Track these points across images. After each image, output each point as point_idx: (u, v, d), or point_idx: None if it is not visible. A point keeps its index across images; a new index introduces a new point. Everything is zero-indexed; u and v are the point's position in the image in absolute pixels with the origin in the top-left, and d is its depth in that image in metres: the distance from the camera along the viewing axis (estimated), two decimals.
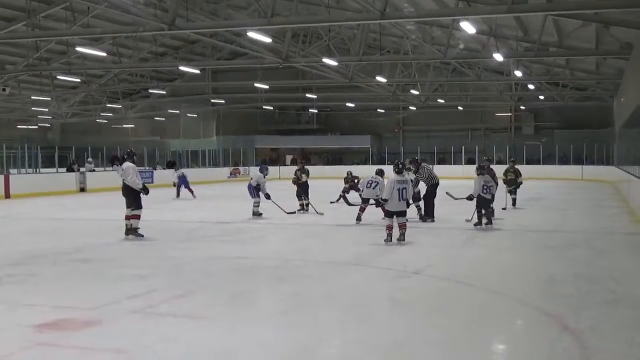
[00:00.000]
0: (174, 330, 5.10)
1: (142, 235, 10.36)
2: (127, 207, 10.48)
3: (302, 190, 14.76)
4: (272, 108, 39.28)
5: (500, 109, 37.78)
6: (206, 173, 32.24)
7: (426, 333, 5.08)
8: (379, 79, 25.27)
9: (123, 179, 10.45)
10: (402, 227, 9.63)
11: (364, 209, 12.39)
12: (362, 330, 5.12)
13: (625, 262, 8.50)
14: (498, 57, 18.78)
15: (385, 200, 9.68)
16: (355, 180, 17.16)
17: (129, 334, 4.98)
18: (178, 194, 20.59)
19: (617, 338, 4.88)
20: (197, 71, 28.63)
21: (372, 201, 12.18)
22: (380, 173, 12.53)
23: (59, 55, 26.00)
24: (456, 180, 21.80)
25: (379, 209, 11.17)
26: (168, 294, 6.35)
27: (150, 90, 34.07)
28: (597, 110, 33.20)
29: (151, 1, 18.27)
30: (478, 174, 11.47)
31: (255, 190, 13.45)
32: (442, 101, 34.66)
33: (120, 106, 36.81)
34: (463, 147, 35.90)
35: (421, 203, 12.89)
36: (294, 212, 14.01)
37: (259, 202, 13.55)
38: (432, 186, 12.83)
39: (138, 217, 10.43)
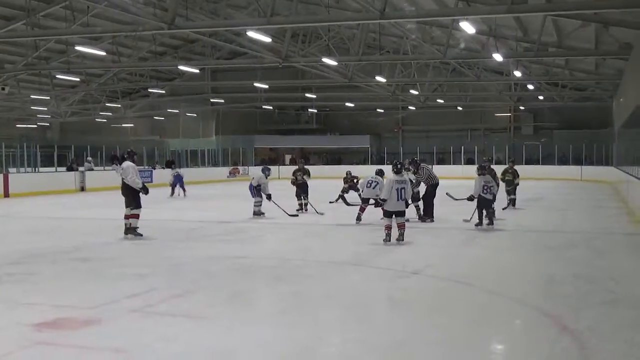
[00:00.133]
0: (173, 329, 5.09)
1: (141, 235, 10.36)
2: (127, 206, 10.47)
3: (302, 190, 14.75)
4: (271, 108, 39.29)
5: (500, 109, 37.80)
6: (205, 172, 32.24)
7: (426, 333, 5.08)
8: (379, 78, 25.28)
9: (122, 178, 10.45)
10: (401, 227, 9.63)
11: (364, 208, 12.39)
12: (362, 330, 5.12)
13: (624, 262, 8.50)
14: (497, 57, 18.80)
15: (384, 200, 9.68)
16: (355, 180, 17.15)
17: (128, 333, 4.97)
18: (172, 193, 20.79)
19: (617, 338, 4.88)
20: (197, 70, 28.61)
21: (371, 201, 12.18)
22: (380, 173, 12.54)
23: (58, 55, 25.99)
24: (456, 180, 21.82)
25: (379, 209, 11.17)
26: (167, 293, 6.34)
27: (149, 90, 34.09)
28: (596, 111, 33.23)
29: (151, 0, 18.25)
30: (479, 174, 11.47)
31: (256, 190, 13.45)
32: (442, 101, 34.67)
33: (119, 105, 36.80)
34: (462, 147, 35.92)
35: (420, 203, 12.89)
36: (297, 215, 13.99)
37: (260, 202, 13.54)
38: (432, 186, 12.83)
39: (137, 216, 10.43)
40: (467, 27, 14.96)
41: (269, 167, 14.23)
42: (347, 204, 16.06)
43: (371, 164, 35.08)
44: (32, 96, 31.00)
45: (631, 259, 8.78)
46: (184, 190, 20.89)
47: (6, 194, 20.52)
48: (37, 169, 26.49)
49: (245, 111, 40.05)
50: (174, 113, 39.22)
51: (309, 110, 40.21)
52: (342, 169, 21.23)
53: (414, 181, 12.65)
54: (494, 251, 9.39)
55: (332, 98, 37.08)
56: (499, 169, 16.02)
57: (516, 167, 16.25)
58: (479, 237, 10.73)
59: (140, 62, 27.25)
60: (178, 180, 21.05)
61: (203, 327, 5.14)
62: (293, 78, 32.89)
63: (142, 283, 6.85)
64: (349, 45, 23.26)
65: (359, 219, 12.31)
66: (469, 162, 35.26)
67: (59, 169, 25.62)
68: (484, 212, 11.45)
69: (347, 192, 16.78)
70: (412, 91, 30.91)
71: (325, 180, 23.26)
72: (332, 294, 6.44)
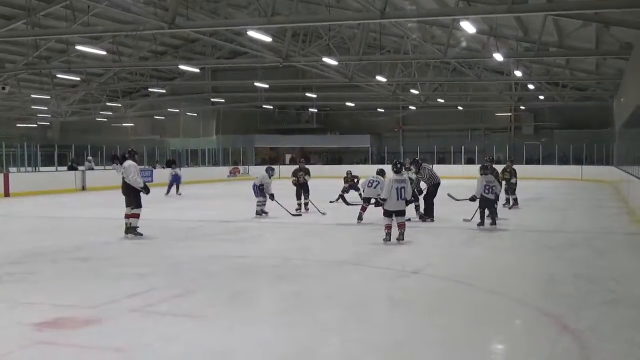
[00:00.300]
0: (173, 329, 5.09)
1: (141, 234, 10.36)
2: (127, 205, 10.47)
3: (303, 190, 14.70)
4: (271, 107, 39.30)
5: (500, 108, 37.79)
6: (206, 172, 32.25)
7: (426, 332, 5.08)
8: (379, 78, 25.27)
9: (123, 178, 10.44)
10: (401, 226, 9.62)
11: (366, 208, 12.40)
12: (362, 330, 5.12)
13: (625, 262, 8.50)
14: (498, 57, 18.79)
15: (384, 200, 9.68)
16: (355, 180, 17.16)
17: (128, 333, 4.97)
18: (168, 191, 20.97)
19: (617, 338, 4.88)
20: (197, 70, 28.62)
21: (372, 200, 12.19)
22: (381, 173, 12.55)
23: (58, 54, 25.99)
24: (456, 180, 21.83)
25: (379, 208, 11.16)
26: (167, 292, 6.34)
27: (150, 89, 34.09)
28: (597, 111, 33.21)
29: (151, 0, 18.26)
30: (481, 174, 11.46)
31: (260, 189, 13.46)
32: (442, 101, 34.66)
33: (119, 105, 36.81)
34: (463, 147, 35.92)
35: (420, 202, 12.89)
36: (300, 214, 14.00)
37: (263, 202, 13.54)
38: (433, 186, 12.83)
39: (137, 216, 10.42)
40: (468, 27, 14.95)
41: (272, 167, 14.23)
42: (347, 203, 16.07)
43: (371, 164, 35.08)
44: (33, 95, 31.00)
45: (632, 258, 8.77)
46: (177, 188, 21.22)
47: (6, 194, 20.52)
48: (37, 168, 26.51)
49: (245, 111, 40.05)
50: (175, 112, 39.23)
51: (310, 109, 40.22)
52: (342, 169, 21.24)
53: (414, 179, 12.66)
54: (494, 251, 9.38)
55: (332, 98, 37.07)
56: (498, 169, 16.02)
57: (517, 166, 16.24)
58: (479, 236, 10.73)
59: (141, 62, 27.24)
60: (175, 180, 21.30)
61: (203, 327, 5.14)
62: (293, 78, 32.88)
63: (143, 282, 6.85)
64: (350, 45, 23.25)
65: (360, 218, 12.31)
66: (470, 161, 35.27)
67: (59, 168, 25.62)
68: (486, 211, 11.44)
69: (347, 192, 16.80)
70: (413, 91, 30.91)
71: (326, 180, 23.26)
72: (332, 294, 6.44)
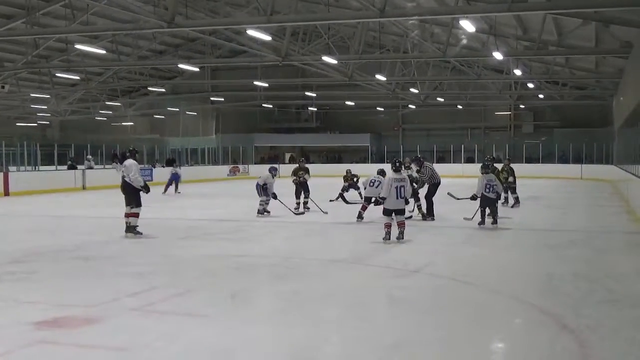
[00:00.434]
0: (173, 328, 5.10)
1: (141, 233, 10.36)
2: (127, 204, 10.47)
3: (303, 189, 14.67)
4: (271, 106, 39.29)
5: (500, 107, 37.81)
6: (205, 171, 32.25)
7: (426, 331, 5.09)
8: (379, 77, 25.28)
9: (123, 176, 10.45)
10: (401, 225, 9.63)
11: (366, 207, 12.41)
12: (362, 329, 5.12)
13: (624, 261, 8.50)
14: (498, 55, 18.80)
15: (384, 199, 9.68)
16: (354, 179, 17.18)
17: (128, 332, 4.97)
18: (166, 189, 21.03)
19: (617, 337, 4.89)
20: (197, 69, 28.63)
21: (373, 199, 12.21)
22: (381, 173, 12.56)
23: (58, 53, 26.02)
24: (456, 178, 21.84)
25: (379, 207, 11.17)
26: (168, 291, 6.34)
27: (149, 88, 34.08)
28: (596, 109, 33.23)
29: None
30: (482, 173, 11.47)
31: (263, 189, 13.49)
32: (442, 100, 34.67)
33: (119, 104, 36.83)
34: (462, 146, 35.92)
35: (422, 202, 12.90)
36: (303, 212, 14.02)
37: (266, 201, 13.55)
38: (434, 185, 12.83)
39: (137, 215, 10.42)
40: (467, 26, 14.96)
41: (275, 167, 14.22)
42: (347, 202, 16.08)
43: (371, 163, 35.11)
44: (32, 94, 31.01)
45: (631, 257, 8.78)
46: (176, 187, 21.34)
47: (6, 193, 20.52)
48: (37, 167, 26.51)
49: (245, 109, 40.05)
50: (174, 111, 39.24)
51: (309, 108, 40.21)
52: (342, 168, 21.26)
53: (419, 180, 12.69)
54: (494, 250, 9.39)
55: (332, 96, 37.09)
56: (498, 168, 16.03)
57: (516, 165, 16.24)
58: (479, 235, 10.73)
59: (140, 61, 27.27)
60: (175, 178, 21.40)
61: (203, 326, 5.15)
62: (293, 76, 32.90)
63: (143, 281, 6.86)
64: (349, 44, 23.28)
65: (360, 217, 12.32)
66: (469, 160, 35.29)
67: (59, 167, 25.63)
68: (487, 210, 11.43)
69: (347, 191, 16.81)
70: (412, 90, 30.91)
71: (325, 179, 23.26)
72: (332, 293, 6.45)
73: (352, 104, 37.36)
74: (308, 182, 14.86)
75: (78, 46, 20.01)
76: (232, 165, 35.22)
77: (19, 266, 7.87)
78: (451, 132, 38.95)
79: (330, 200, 16.26)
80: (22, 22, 20.38)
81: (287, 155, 41.71)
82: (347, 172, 17.37)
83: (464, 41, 22.83)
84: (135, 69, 29.96)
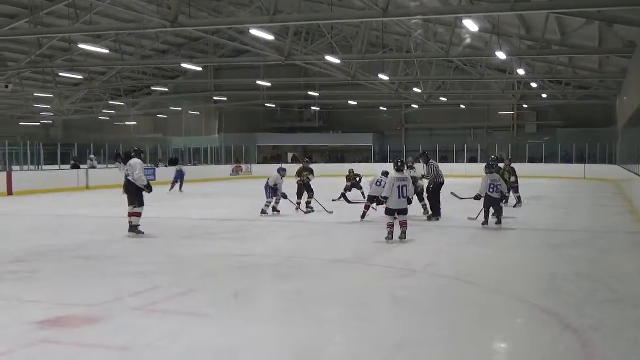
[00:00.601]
0: (176, 327, 5.10)
1: (143, 233, 10.36)
2: (129, 204, 10.47)
3: (307, 190, 14.59)
4: (274, 106, 39.30)
5: (503, 107, 37.76)
6: (208, 171, 32.26)
7: (429, 331, 5.08)
8: (382, 76, 25.26)
9: (126, 176, 10.46)
10: (404, 225, 9.61)
11: (369, 207, 12.41)
12: (365, 329, 5.12)
13: (627, 261, 8.47)
14: (501, 55, 18.77)
15: (386, 198, 9.67)
16: (357, 179, 17.17)
17: (131, 331, 4.98)
18: (172, 187, 21.11)
19: (620, 336, 4.87)
20: (200, 69, 28.65)
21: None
22: (386, 174, 12.51)
23: (61, 52, 26.05)
24: (459, 178, 21.81)
25: (382, 206, 11.16)
26: (171, 291, 6.35)
27: (152, 88, 34.13)
28: (600, 109, 33.17)
29: None
30: (487, 173, 11.45)
31: (273, 190, 13.50)
32: (445, 99, 34.65)
33: (122, 103, 36.86)
34: (465, 146, 35.89)
35: (427, 202, 12.89)
36: (312, 210, 14.03)
37: (276, 201, 13.57)
38: (437, 185, 12.80)
39: (139, 214, 10.43)
40: (471, 25, 14.94)
41: (284, 168, 14.19)
42: (349, 202, 16.07)
43: (374, 162, 35.08)
44: (36, 94, 31.06)
45: (634, 257, 8.75)
46: (181, 186, 21.37)
47: (10, 192, 20.56)
48: (40, 167, 26.54)
49: (248, 109, 40.08)
50: (177, 111, 39.27)
51: (312, 108, 40.21)
52: (344, 167, 21.25)
53: (424, 173, 12.68)
54: (497, 249, 9.37)
55: (335, 96, 37.08)
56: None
57: (519, 165, 16.23)
58: (482, 235, 10.71)
59: (144, 60, 27.31)
60: (179, 176, 21.51)
61: (206, 325, 5.15)
62: (296, 76, 32.91)
63: (146, 281, 6.86)
64: (352, 43, 23.28)
65: (363, 216, 12.32)
66: (472, 160, 35.24)
67: (62, 167, 25.67)
68: (492, 210, 11.41)
69: (349, 190, 16.80)
70: (415, 89, 30.89)
71: (328, 179, 23.26)
72: (335, 292, 6.44)
73: (355, 103, 37.35)
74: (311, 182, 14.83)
75: (81, 46, 20.05)
76: (234, 165, 35.24)
77: (21, 265, 7.89)
78: (454, 132, 38.91)
79: (333, 200, 16.25)
80: (25, 22, 20.41)
81: (290, 155, 41.70)
82: (349, 172, 17.36)
83: (467, 41, 22.78)
84: (139, 68, 30.00)
